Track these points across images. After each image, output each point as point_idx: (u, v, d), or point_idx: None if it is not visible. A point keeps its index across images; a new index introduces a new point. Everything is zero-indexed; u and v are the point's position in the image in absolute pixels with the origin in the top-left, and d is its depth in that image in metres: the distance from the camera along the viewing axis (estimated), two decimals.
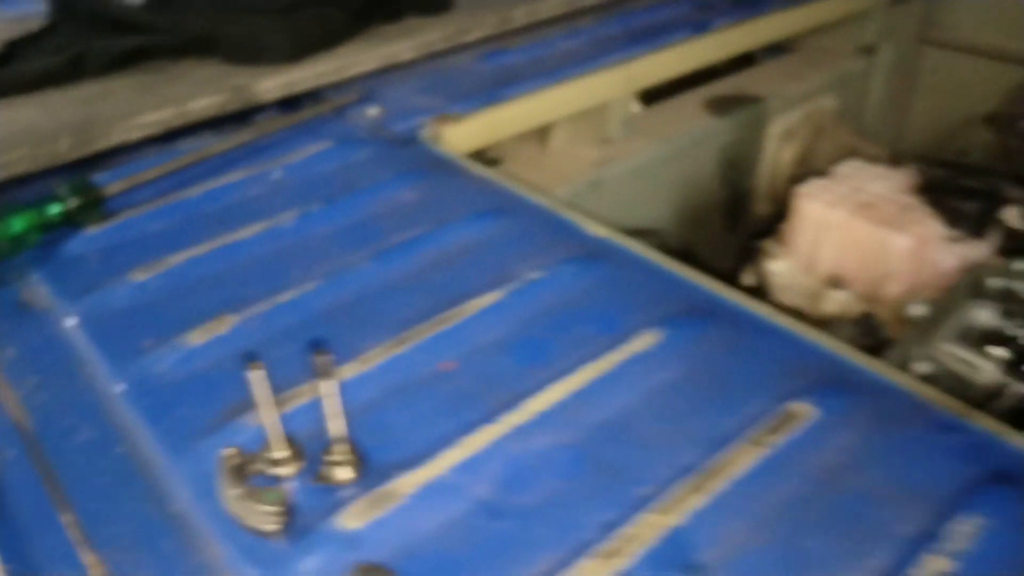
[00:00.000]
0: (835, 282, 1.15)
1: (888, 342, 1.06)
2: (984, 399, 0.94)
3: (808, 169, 1.81)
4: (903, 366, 0.94)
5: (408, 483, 0.59)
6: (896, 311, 1.11)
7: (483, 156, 1.31)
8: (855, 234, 1.11)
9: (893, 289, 1.10)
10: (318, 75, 1.31)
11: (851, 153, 1.77)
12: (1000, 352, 1.00)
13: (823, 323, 1.14)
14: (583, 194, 1.47)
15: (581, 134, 1.53)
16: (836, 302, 1.14)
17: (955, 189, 1.14)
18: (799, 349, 0.76)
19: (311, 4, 1.45)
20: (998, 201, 1.23)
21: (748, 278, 1.22)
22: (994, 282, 1.05)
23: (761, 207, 1.92)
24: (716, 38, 1.60)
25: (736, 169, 1.80)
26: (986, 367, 0.97)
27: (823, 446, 0.64)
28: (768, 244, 1.24)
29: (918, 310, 1.04)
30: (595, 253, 0.90)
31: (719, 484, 0.60)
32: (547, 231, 0.94)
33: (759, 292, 1.21)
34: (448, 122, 1.20)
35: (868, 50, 2.04)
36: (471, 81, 1.37)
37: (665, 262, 0.89)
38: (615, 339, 0.74)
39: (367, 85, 1.34)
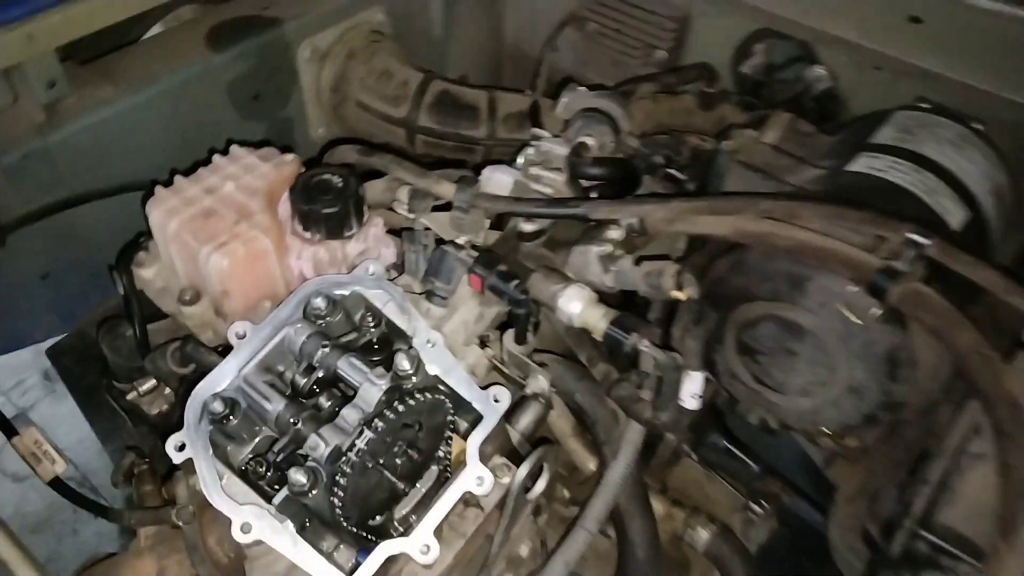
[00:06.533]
0: (189, 293, 1.09)
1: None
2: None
3: (345, 97, 1.71)
4: None
5: None
6: None
7: None
8: (187, 248, 1.05)
9: (234, 304, 1.06)
10: None
11: (387, 77, 1.67)
12: (301, 381, 0.99)
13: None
14: (25, 168, 1.33)
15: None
16: (192, 317, 1.09)
17: (317, 187, 1.08)
18: None
19: None
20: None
21: (120, 287, 1.15)
22: (320, 300, 1.02)
23: (324, 131, 1.81)
24: None
25: (266, 103, 1.67)
26: (273, 403, 0.96)
27: None
28: (147, 245, 1.16)
29: (237, 330, 1.01)
30: None
31: None
32: None
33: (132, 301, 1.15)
34: None
35: None
36: None
37: None
38: None
39: None
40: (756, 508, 1.38)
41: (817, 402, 1.18)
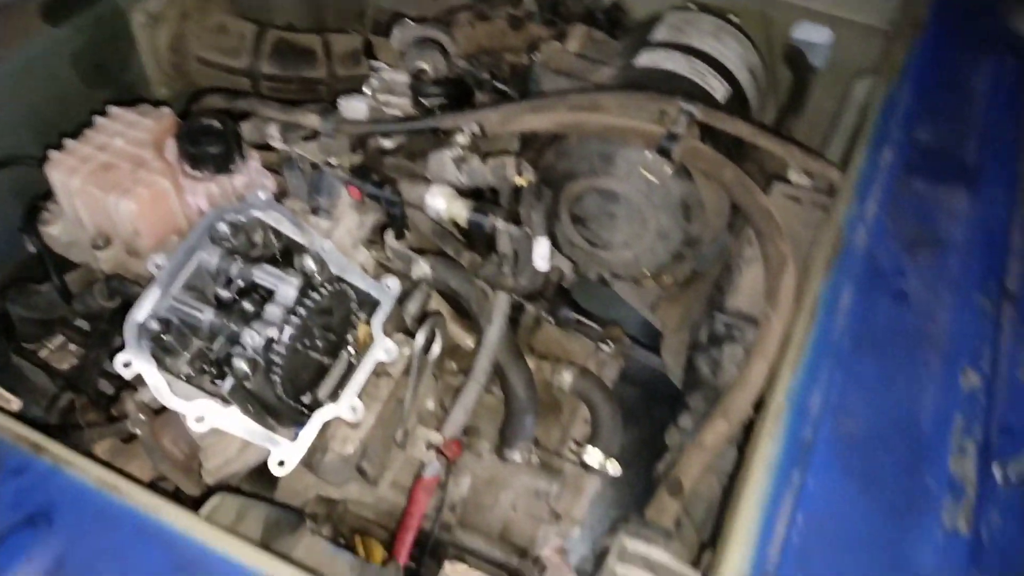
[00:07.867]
0: (100, 240, 1.23)
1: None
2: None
3: (186, 55, 1.82)
4: None
5: None
6: None
7: None
8: (94, 200, 1.19)
9: (145, 242, 1.21)
10: None
11: (223, 32, 1.79)
12: (224, 294, 1.17)
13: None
14: None
15: None
16: (106, 261, 1.23)
17: (199, 131, 1.23)
18: None
19: None
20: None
21: (31, 246, 1.27)
22: (223, 225, 1.19)
23: (166, 91, 1.91)
24: None
25: (109, 70, 1.75)
26: (204, 313, 1.14)
27: None
28: (48, 206, 1.28)
29: (156, 261, 1.17)
30: None
31: None
32: None
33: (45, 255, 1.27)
34: None
35: None
36: None
37: None
38: None
39: None
40: (604, 347, 1.69)
41: (636, 251, 1.49)
